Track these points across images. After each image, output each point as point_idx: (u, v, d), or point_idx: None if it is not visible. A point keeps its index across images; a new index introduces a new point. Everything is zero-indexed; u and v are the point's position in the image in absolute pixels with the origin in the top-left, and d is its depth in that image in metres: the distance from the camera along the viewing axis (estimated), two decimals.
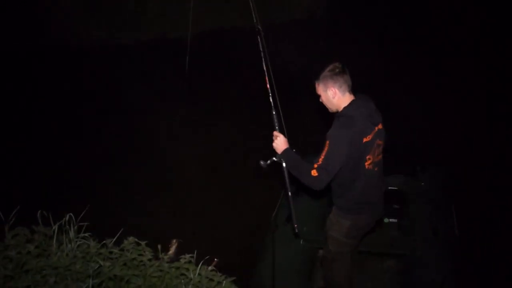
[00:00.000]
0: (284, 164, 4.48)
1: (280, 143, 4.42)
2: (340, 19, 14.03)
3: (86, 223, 3.98)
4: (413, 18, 13.47)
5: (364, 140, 4.20)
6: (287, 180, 4.51)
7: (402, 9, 13.51)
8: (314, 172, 4.12)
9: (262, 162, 4.51)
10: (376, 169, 4.45)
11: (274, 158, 4.50)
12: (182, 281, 3.74)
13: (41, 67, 12.19)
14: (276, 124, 4.52)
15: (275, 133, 4.47)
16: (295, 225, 4.58)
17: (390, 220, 6.05)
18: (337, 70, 4.21)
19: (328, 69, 4.25)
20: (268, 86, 4.46)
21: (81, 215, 3.99)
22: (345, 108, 4.26)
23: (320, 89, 4.33)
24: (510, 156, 8.15)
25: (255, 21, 4.58)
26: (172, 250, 5.95)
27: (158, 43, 13.40)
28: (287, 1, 14.95)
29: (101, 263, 3.63)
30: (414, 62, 11.37)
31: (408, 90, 10.10)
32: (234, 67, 11.36)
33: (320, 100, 4.43)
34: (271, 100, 4.50)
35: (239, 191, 7.07)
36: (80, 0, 13.66)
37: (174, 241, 5.98)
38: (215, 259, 5.89)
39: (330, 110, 4.46)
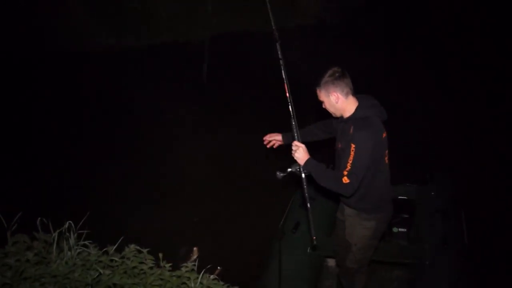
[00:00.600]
0: (303, 175, 4.38)
1: (301, 153, 4.32)
2: (349, 24, 13.96)
3: (86, 231, 3.93)
4: (420, 21, 13.36)
5: (383, 135, 4.27)
6: (305, 191, 4.41)
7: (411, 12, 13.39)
8: (345, 179, 4.08)
9: (278, 173, 4.45)
10: (388, 165, 4.48)
11: (291, 169, 4.43)
12: None
13: (47, 72, 12.18)
14: (296, 134, 4.41)
15: (296, 143, 4.36)
16: (314, 237, 4.46)
17: (400, 229, 6.02)
18: (337, 74, 4.19)
19: (328, 74, 4.21)
20: (287, 94, 4.35)
21: (82, 222, 3.94)
22: (357, 110, 4.25)
23: (323, 95, 4.29)
24: None
25: (273, 27, 4.48)
26: (194, 257, 5.92)
27: (167, 47, 13.34)
28: (295, 7, 14.88)
29: (101, 271, 3.58)
30: (425, 69, 11.26)
31: (418, 96, 10.01)
32: (248, 73, 11.29)
33: (323, 106, 4.40)
34: (290, 109, 4.38)
35: (245, 198, 7.00)
36: (87, 5, 13.63)
37: (195, 249, 5.94)
38: (218, 268, 5.85)
39: (334, 115, 4.44)
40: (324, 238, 5.68)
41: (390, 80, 10.64)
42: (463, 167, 7.79)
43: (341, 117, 4.37)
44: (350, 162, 4.07)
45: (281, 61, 4.34)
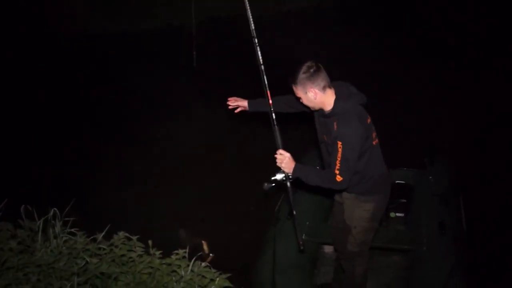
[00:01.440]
0: (288, 184, 4.29)
1: (287, 162, 4.21)
2: (349, 7, 13.77)
3: (73, 218, 3.81)
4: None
5: (368, 121, 4.21)
6: (291, 200, 4.38)
7: None
8: (338, 178, 4.06)
9: (265, 185, 4.31)
10: (378, 145, 4.39)
11: (276, 177, 4.30)
12: (173, 278, 3.55)
13: (46, 58, 11.99)
14: (279, 140, 4.28)
15: (280, 151, 4.24)
16: (300, 242, 4.45)
17: (397, 214, 5.93)
18: (312, 70, 4.04)
19: (302, 70, 4.06)
20: (270, 102, 4.24)
21: (68, 209, 3.83)
22: (336, 103, 4.13)
23: (300, 92, 4.15)
24: None
25: (252, 29, 4.22)
26: (206, 251, 5.80)
27: (163, 31, 13.16)
28: None
29: (88, 259, 3.45)
30: (424, 53, 11.12)
31: (416, 80, 9.88)
32: (241, 56, 11.11)
33: (301, 102, 4.27)
34: (273, 116, 4.25)
35: (239, 183, 6.83)
36: None
37: (204, 243, 5.83)
38: (210, 255, 5.74)
39: (312, 109, 4.32)
40: (320, 224, 5.58)
41: (387, 63, 10.48)
42: (462, 152, 7.69)
43: (321, 110, 4.26)
44: (339, 159, 4.03)
45: (262, 67, 4.18)
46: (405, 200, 5.99)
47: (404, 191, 6.07)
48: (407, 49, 11.33)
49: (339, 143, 4.00)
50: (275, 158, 4.24)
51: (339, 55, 10.28)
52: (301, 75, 4.05)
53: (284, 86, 4.25)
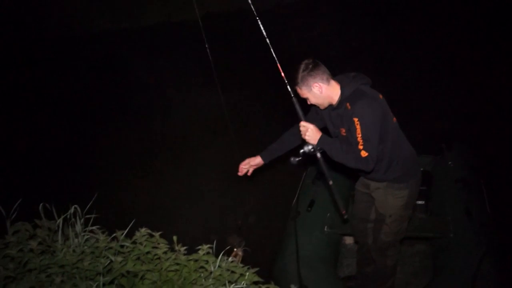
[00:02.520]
0: (318, 154, 4.14)
1: (313, 132, 4.09)
2: None
3: (93, 215, 3.63)
4: None
5: (380, 97, 4.10)
6: (325, 170, 4.17)
7: None
8: (363, 153, 3.90)
9: (292, 159, 4.20)
10: (396, 121, 4.27)
11: (304, 150, 4.16)
12: (201, 274, 3.38)
13: (44, 57, 11.81)
14: (300, 112, 4.16)
15: (303, 123, 4.14)
16: (343, 211, 4.27)
17: (418, 202, 5.75)
18: (310, 66, 3.99)
19: (301, 69, 4.00)
20: (283, 75, 4.14)
21: (88, 206, 3.65)
22: (343, 89, 4.07)
23: (305, 91, 4.08)
24: None
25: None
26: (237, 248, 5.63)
27: (164, 26, 13.00)
28: None
29: (112, 258, 3.28)
30: (435, 37, 10.91)
31: (428, 66, 9.69)
32: (243, 51, 10.95)
33: (309, 103, 4.20)
34: (289, 88, 4.14)
35: (258, 176, 6.64)
36: None
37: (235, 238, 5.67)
38: (234, 249, 5.57)
39: (322, 107, 4.22)
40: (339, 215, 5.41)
41: (404, 50, 10.27)
42: (480, 135, 7.50)
43: (330, 105, 4.18)
44: (360, 135, 3.89)
45: (267, 40, 4.15)
46: (425, 187, 5.81)
47: (423, 178, 5.86)
48: (419, 35, 11.07)
49: (355, 119, 3.89)
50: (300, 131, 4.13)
51: (347, 48, 10.21)
52: (302, 73, 4.00)
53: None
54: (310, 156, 4.17)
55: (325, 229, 5.35)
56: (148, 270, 3.33)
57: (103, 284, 3.19)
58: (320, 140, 4.08)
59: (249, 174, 4.72)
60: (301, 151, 4.16)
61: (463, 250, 4.88)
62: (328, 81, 4.02)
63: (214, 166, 7.48)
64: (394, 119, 4.20)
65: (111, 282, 3.22)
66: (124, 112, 9.47)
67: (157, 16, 13.55)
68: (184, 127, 8.74)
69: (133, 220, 3.58)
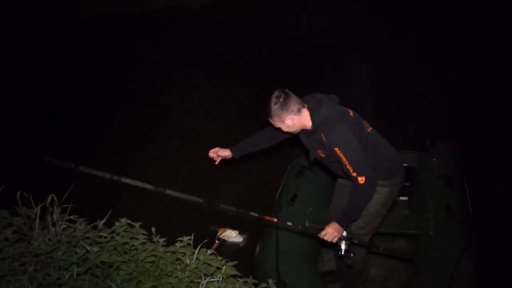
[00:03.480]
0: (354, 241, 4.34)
1: (334, 234, 4.18)
2: None
3: (72, 205, 3.55)
4: None
5: (350, 114, 4.16)
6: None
7: None
8: (360, 179, 3.97)
9: (342, 252, 4.28)
10: (374, 130, 4.32)
11: (342, 248, 4.26)
12: (178, 266, 3.34)
13: (51, 41, 11.51)
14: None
15: (321, 234, 4.23)
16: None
17: (401, 198, 5.74)
18: (281, 99, 3.98)
19: (273, 102, 3.99)
20: None
21: (67, 195, 3.59)
22: (313, 119, 4.08)
23: (277, 123, 4.10)
24: None
25: None
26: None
27: (164, 12, 12.79)
28: None
29: (88, 248, 3.22)
30: (423, 31, 10.83)
31: (417, 60, 9.61)
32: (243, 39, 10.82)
33: (282, 131, 4.23)
34: None
35: (241, 169, 6.56)
36: None
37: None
38: (216, 241, 5.51)
39: (295, 133, 4.27)
40: (323, 210, 5.32)
41: (391, 42, 10.18)
42: (465, 132, 7.44)
43: (304, 130, 4.22)
44: (347, 162, 3.96)
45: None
46: (408, 184, 5.72)
47: (407, 174, 5.79)
48: (406, 27, 10.97)
49: (337, 149, 3.96)
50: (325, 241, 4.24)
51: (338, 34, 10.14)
52: (273, 107, 3.98)
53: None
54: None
55: (307, 224, 5.27)
56: (123, 261, 3.29)
57: (77, 274, 3.14)
58: (341, 226, 4.17)
59: (216, 163, 4.73)
60: (340, 253, 4.25)
61: (442, 248, 4.84)
62: (299, 111, 4.03)
63: (199, 157, 7.38)
64: (369, 129, 4.26)
65: (85, 272, 3.18)
66: (112, 98, 9.27)
67: (158, 2, 13.27)
68: (171, 113, 8.60)
69: (110, 211, 3.52)
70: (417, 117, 7.81)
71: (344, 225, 4.19)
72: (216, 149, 4.65)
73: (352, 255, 4.37)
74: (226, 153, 4.63)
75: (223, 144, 4.68)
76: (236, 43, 10.67)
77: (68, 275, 3.09)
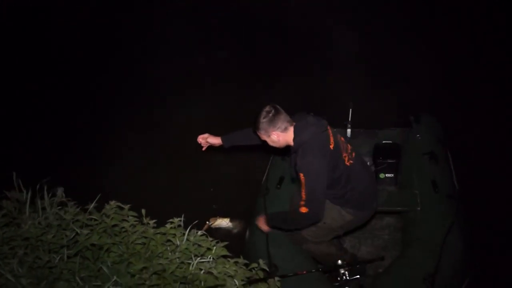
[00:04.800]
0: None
1: (262, 225, 4.58)
2: None
3: (62, 187, 3.48)
4: None
5: (331, 147, 4.10)
6: None
7: None
8: (303, 209, 4.04)
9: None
10: (356, 161, 4.33)
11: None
12: (168, 248, 3.30)
13: (52, 24, 11.26)
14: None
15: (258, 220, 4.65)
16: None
17: (387, 175, 5.71)
18: (270, 114, 4.04)
19: (262, 116, 4.05)
20: None
21: (57, 178, 3.50)
22: (294, 140, 4.11)
23: (263, 136, 4.16)
24: (507, 103, 7.59)
25: None
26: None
27: None
28: None
29: (78, 231, 3.16)
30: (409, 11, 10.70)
31: (400, 37, 9.50)
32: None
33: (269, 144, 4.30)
34: None
35: (229, 153, 6.46)
36: None
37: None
38: (207, 222, 5.44)
39: (280, 148, 4.29)
40: None
41: (378, 23, 10.07)
42: (449, 108, 7.36)
43: (290, 146, 4.23)
44: (304, 191, 4.00)
45: None
46: (393, 160, 5.73)
47: (392, 151, 5.83)
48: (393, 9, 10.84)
49: (301, 175, 3.98)
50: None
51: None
52: (262, 121, 4.05)
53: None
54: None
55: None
56: (114, 243, 3.24)
57: (68, 257, 3.10)
58: (268, 225, 4.51)
59: (203, 149, 4.78)
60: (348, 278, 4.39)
61: (430, 223, 4.80)
62: (286, 129, 4.08)
63: (188, 140, 7.29)
64: (349, 162, 4.23)
65: (76, 255, 3.13)
66: (109, 86, 9.08)
67: None
68: (162, 93, 8.49)
69: (99, 194, 3.45)
70: (402, 92, 7.70)
71: (269, 225, 4.47)
72: (206, 135, 4.68)
73: (359, 276, 4.46)
74: (216, 141, 4.67)
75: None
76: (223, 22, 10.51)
77: (58, 258, 3.07)
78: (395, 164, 5.72)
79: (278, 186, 5.27)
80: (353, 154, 4.29)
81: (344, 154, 4.19)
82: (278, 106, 4.07)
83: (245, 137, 4.59)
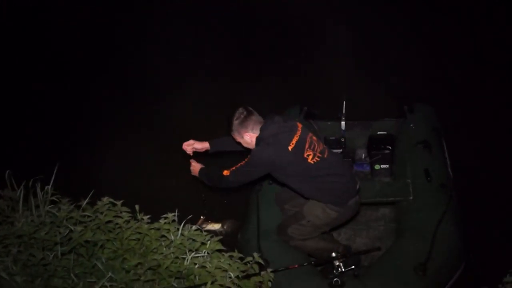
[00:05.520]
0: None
1: (193, 170, 4.65)
2: None
3: (55, 184, 3.46)
4: None
5: (290, 148, 4.18)
6: None
7: None
8: (226, 172, 4.29)
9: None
10: (326, 156, 4.35)
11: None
12: (163, 243, 3.28)
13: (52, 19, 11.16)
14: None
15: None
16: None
17: (382, 166, 5.65)
18: (242, 116, 4.22)
19: (235, 118, 4.23)
20: None
21: (50, 176, 3.48)
22: (258, 136, 4.28)
23: (237, 137, 4.34)
24: (502, 91, 7.52)
25: None
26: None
27: None
28: None
29: (72, 228, 3.14)
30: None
31: (392, 28, 9.44)
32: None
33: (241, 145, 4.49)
34: None
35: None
36: None
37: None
38: (201, 217, 5.39)
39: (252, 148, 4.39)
40: None
41: (371, 15, 10.02)
42: (443, 97, 7.29)
43: None
44: (240, 164, 4.24)
45: None
46: (388, 151, 5.67)
47: (386, 142, 5.76)
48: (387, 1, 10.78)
49: (248, 156, 4.21)
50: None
51: None
52: (234, 122, 4.23)
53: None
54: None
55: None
56: (108, 240, 3.23)
57: (62, 254, 3.08)
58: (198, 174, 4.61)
59: (190, 154, 4.82)
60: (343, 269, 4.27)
61: (422, 212, 4.77)
62: (257, 130, 4.23)
63: (181, 136, 7.22)
64: (314, 160, 4.25)
65: (70, 252, 3.12)
66: (106, 77, 9.00)
67: None
68: (157, 89, 8.41)
69: (92, 190, 3.43)
70: (395, 83, 7.67)
71: (198, 174, 4.57)
72: (191, 141, 4.74)
73: (354, 267, 4.36)
74: (203, 145, 4.77)
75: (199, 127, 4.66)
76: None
77: (52, 255, 3.06)
78: (389, 155, 5.67)
79: (271, 182, 5.24)
80: (326, 153, 4.34)
81: (308, 153, 4.24)
82: (250, 108, 4.25)
83: (231, 144, 4.63)
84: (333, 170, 4.36)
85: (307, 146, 4.24)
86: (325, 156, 4.31)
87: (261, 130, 4.23)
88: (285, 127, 4.27)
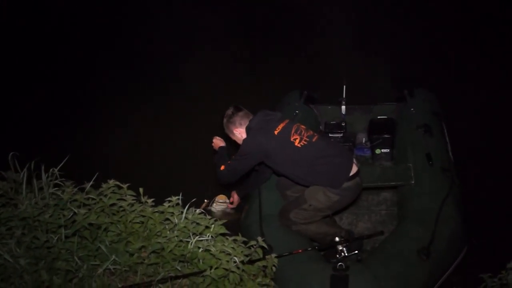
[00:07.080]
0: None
1: (215, 145, 4.86)
2: None
3: (60, 165, 3.39)
4: None
5: (276, 132, 4.42)
6: None
7: None
8: (222, 166, 4.56)
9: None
10: (314, 140, 4.46)
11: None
12: (167, 226, 3.24)
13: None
14: None
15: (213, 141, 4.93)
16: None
17: (382, 150, 5.60)
18: (230, 113, 4.58)
19: (225, 116, 4.61)
20: None
21: (54, 158, 3.43)
22: (248, 125, 4.56)
23: (230, 134, 4.68)
24: (501, 74, 7.53)
25: None
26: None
27: None
28: None
29: (76, 210, 3.09)
30: None
31: (394, 13, 9.37)
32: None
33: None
34: None
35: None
36: None
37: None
38: (205, 201, 5.34)
39: None
40: None
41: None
42: (443, 82, 7.28)
43: None
44: (233, 158, 4.54)
45: None
46: (388, 136, 5.63)
47: (387, 126, 5.73)
48: None
49: (241, 147, 4.53)
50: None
51: None
52: (224, 121, 4.62)
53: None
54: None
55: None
56: (112, 223, 3.18)
57: (66, 236, 3.05)
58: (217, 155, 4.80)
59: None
60: (345, 254, 4.18)
61: (424, 196, 4.72)
62: (246, 123, 4.54)
63: (186, 119, 7.15)
64: (301, 143, 4.38)
65: (74, 235, 3.08)
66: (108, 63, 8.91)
67: None
68: (161, 73, 8.38)
69: (97, 173, 3.36)
70: (395, 68, 7.61)
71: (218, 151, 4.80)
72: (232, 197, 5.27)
73: (357, 251, 4.29)
74: (235, 198, 5.26)
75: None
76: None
77: (56, 238, 3.02)
78: (390, 139, 5.63)
79: None
80: (314, 138, 4.44)
81: (295, 137, 4.39)
82: (239, 106, 4.60)
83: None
84: (322, 153, 4.43)
85: (293, 131, 4.43)
86: (313, 140, 4.43)
87: (250, 121, 4.51)
88: (273, 115, 4.58)
